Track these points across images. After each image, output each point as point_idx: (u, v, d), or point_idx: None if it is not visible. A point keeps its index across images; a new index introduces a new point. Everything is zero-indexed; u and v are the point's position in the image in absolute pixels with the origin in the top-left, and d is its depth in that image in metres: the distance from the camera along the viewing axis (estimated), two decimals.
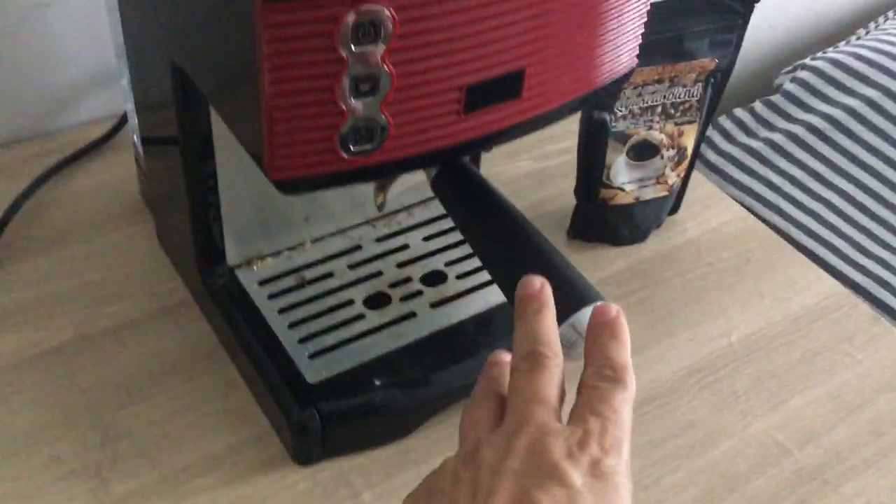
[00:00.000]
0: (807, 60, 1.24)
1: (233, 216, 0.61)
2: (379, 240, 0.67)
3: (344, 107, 0.41)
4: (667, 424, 0.62)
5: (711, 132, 1.24)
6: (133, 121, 0.69)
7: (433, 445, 0.59)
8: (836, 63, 1.21)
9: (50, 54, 0.77)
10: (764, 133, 1.21)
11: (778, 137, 1.19)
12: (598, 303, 0.46)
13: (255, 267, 0.64)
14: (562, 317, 0.45)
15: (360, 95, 0.41)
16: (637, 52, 0.52)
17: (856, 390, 0.66)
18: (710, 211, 0.79)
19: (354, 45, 0.39)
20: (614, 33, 0.49)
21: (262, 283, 0.63)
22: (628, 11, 0.49)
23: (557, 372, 0.39)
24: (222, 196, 0.60)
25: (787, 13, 1.30)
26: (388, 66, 0.41)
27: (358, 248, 0.66)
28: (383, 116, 0.43)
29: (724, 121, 1.25)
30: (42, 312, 0.65)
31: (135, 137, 0.69)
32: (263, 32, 0.38)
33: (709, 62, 0.66)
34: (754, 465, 0.60)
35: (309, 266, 0.65)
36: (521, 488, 0.34)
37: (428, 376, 0.59)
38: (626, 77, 0.53)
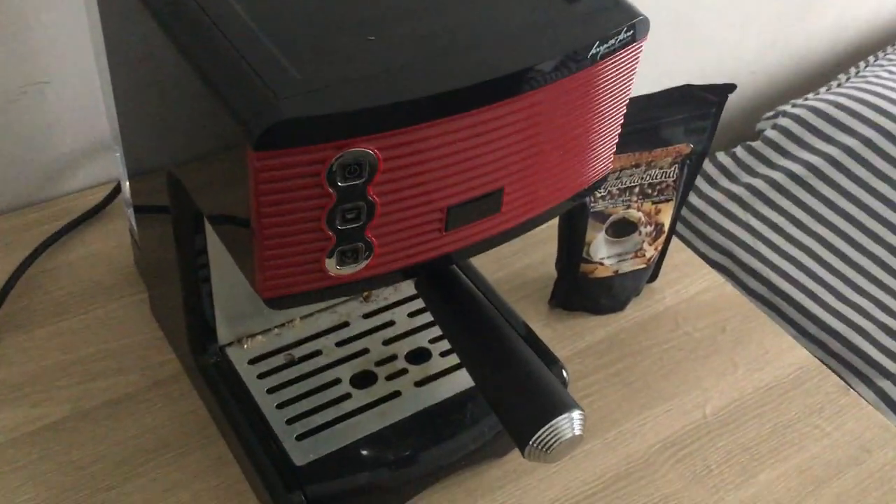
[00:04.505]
0: (787, 107, 1.27)
1: (224, 294, 0.63)
2: (366, 316, 0.69)
3: (331, 233, 0.44)
4: (642, 500, 0.65)
5: None
6: (126, 192, 0.71)
7: None
8: (816, 111, 1.24)
9: (48, 126, 0.79)
10: (745, 178, 1.24)
11: (759, 183, 1.22)
12: (575, 411, 0.48)
13: (245, 345, 0.66)
14: (541, 422, 0.48)
15: (346, 223, 0.44)
16: (612, 157, 0.55)
17: (824, 463, 0.68)
18: (687, 279, 0.82)
19: (341, 182, 0.42)
20: (590, 148, 0.51)
21: (252, 361, 0.65)
22: (604, 130, 0.51)
23: None
24: (213, 274, 0.62)
25: (768, 60, 1.33)
26: (372, 196, 0.43)
27: (346, 324, 0.68)
28: (368, 238, 0.45)
29: (706, 165, 1.28)
30: (39, 387, 0.67)
31: (128, 209, 0.72)
32: (255, 176, 0.40)
33: (684, 147, 0.69)
34: None
35: (298, 343, 0.67)
36: None
37: (413, 456, 0.61)
38: (602, 181, 0.55)
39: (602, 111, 0.50)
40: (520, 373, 0.50)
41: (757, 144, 1.26)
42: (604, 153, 0.54)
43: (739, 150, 1.27)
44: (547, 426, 0.47)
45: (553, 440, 0.47)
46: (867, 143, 1.18)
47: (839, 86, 1.32)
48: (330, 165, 0.41)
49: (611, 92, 0.50)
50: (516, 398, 0.49)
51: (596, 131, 0.51)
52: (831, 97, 1.25)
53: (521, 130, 0.46)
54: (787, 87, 1.40)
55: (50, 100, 0.77)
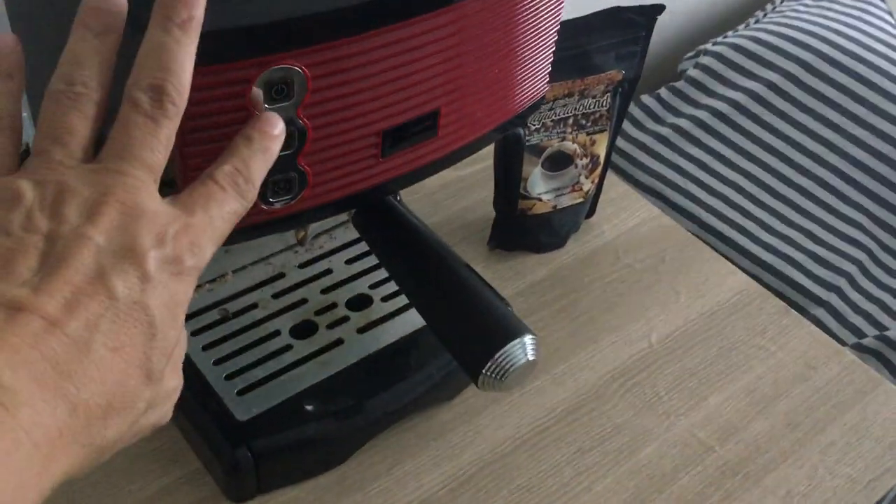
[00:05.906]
0: (708, 45, 1.28)
1: None
2: (301, 266, 0.67)
3: None
4: (594, 431, 0.64)
5: None
6: None
7: (368, 470, 0.60)
8: (736, 47, 1.24)
9: None
10: (671, 119, 1.24)
11: (684, 123, 1.22)
12: (528, 336, 0.47)
13: None
14: (493, 349, 0.46)
15: None
16: (547, 78, 0.53)
17: (770, 383, 0.68)
18: (625, 212, 0.81)
19: (268, 104, 0.39)
20: (524, 67, 0.50)
21: (185, 319, 0.62)
22: (537, 46, 0.50)
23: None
24: None
25: (685, 0, 1.33)
26: (303, 120, 0.41)
27: (281, 275, 0.66)
28: (301, 168, 0.43)
29: (632, 108, 1.27)
30: None
31: None
32: None
33: (616, 73, 0.68)
34: (679, 465, 0.62)
35: (232, 298, 0.64)
36: (97, 265, 0.32)
37: (359, 403, 0.59)
38: (539, 103, 0.54)
39: (533, 29, 0.49)
40: (467, 302, 0.48)
41: (680, 84, 1.26)
42: (537, 74, 0.52)
43: (664, 91, 1.27)
44: (500, 353, 0.46)
45: (507, 367, 0.46)
46: (788, 76, 1.19)
47: (757, 22, 1.32)
48: (255, 84, 0.38)
49: (540, 9, 0.48)
50: (465, 328, 0.48)
51: (527, 50, 0.49)
52: (750, 33, 1.26)
53: (452, 47, 0.44)
54: (706, 26, 1.40)
55: None
